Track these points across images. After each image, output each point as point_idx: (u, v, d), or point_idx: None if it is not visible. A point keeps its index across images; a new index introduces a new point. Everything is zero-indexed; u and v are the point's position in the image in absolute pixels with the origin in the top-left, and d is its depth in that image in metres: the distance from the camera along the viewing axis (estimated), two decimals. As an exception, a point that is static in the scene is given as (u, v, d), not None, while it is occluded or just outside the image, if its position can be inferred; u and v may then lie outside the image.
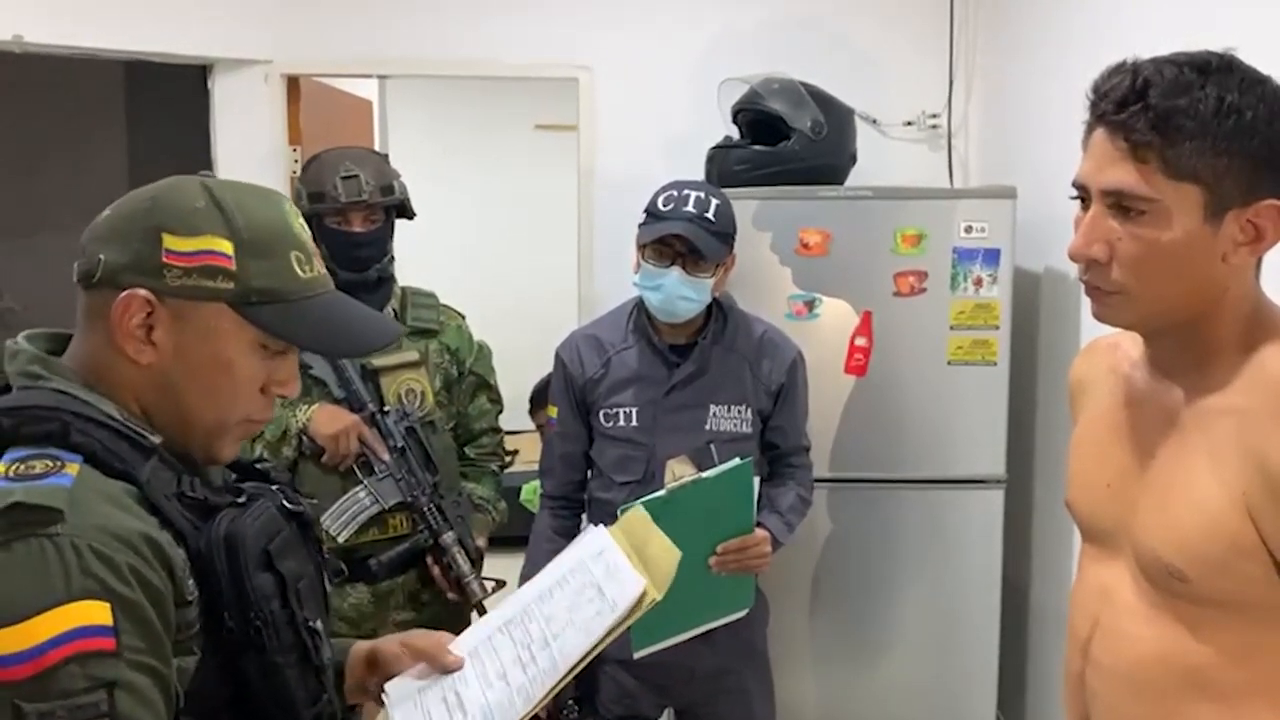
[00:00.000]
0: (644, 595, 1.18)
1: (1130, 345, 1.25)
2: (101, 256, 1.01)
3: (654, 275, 2.12)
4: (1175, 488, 1.11)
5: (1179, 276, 1.08)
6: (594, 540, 1.33)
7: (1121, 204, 1.08)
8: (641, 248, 2.14)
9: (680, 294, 2.12)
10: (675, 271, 2.10)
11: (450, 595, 2.24)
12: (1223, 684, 1.09)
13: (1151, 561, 1.13)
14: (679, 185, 2.16)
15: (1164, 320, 1.13)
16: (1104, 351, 1.31)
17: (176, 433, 1.05)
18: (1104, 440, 1.25)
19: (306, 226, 1.11)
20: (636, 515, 1.39)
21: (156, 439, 1.03)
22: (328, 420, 2.20)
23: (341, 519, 2.19)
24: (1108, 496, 1.22)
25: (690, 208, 2.10)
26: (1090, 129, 1.11)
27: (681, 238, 2.08)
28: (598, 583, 1.23)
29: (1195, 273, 1.08)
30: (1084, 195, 1.12)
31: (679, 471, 1.92)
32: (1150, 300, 1.10)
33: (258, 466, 1.18)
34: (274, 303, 1.04)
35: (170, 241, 1.01)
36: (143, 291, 1.00)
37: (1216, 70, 1.05)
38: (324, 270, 1.11)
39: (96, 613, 0.88)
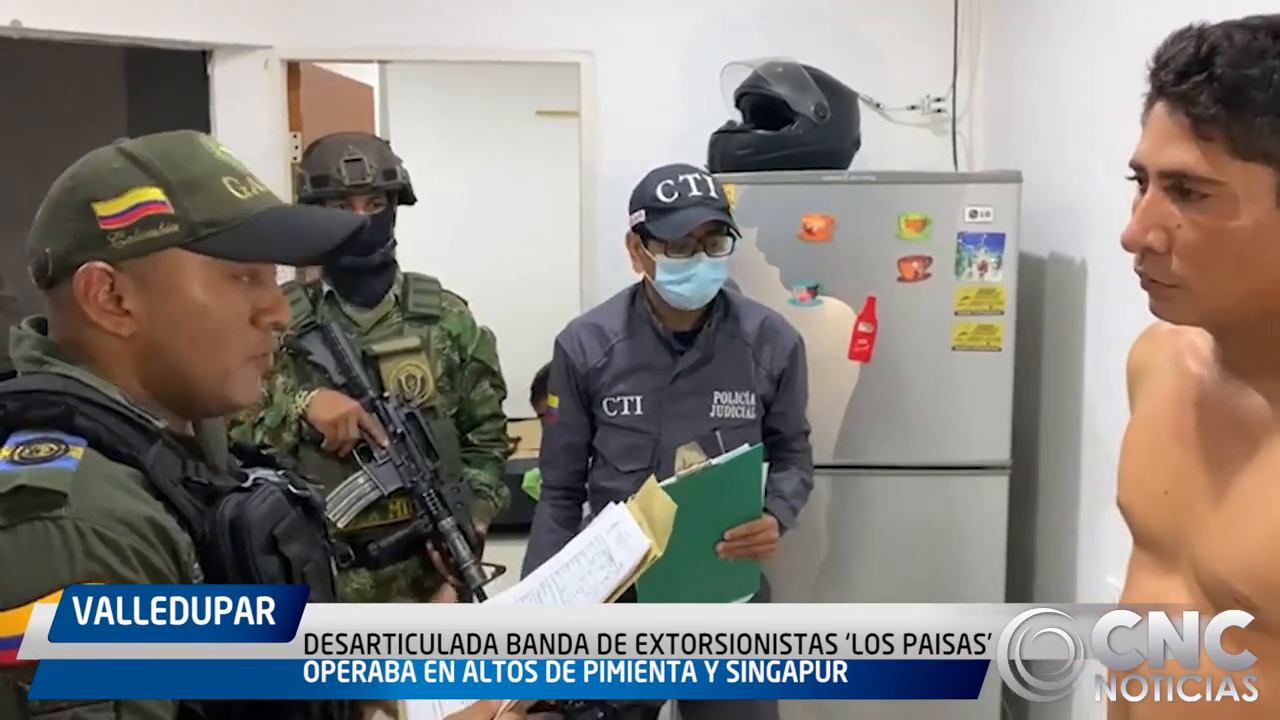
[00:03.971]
0: (648, 553, 1.21)
1: (1196, 334, 1.12)
2: (47, 250, 1.02)
3: (682, 268, 2.09)
4: (1248, 507, 1.00)
5: (1246, 269, 0.96)
6: (610, 515, 1.36)
7: (1182, 186, 0.96)
8: (660, 243, 2.09)
9: (712, 278, 2.11)
10: (703, 258, 2.08)
11: (450, 581, 2.24)
12: None
13: (1215, 585, 1.01)
14: (670, 172, 2.12)
15: (1230, 317, 1.01)
16: (1167, 337, 1.17)
17: (183, 394, 1.05)
18: (1162, 440, 1.12)
19: (230, 151, 1.10)
20: (648, 485, 1.43)
21: (161, 423, 1.02)
22: (327, 406, 2.20)
23: (341, 504, 2.19)
24: (1165, 504, 1.10)
25: (696, 192, 2.08)
26: (1149, 102, 0.99)
27: (709, 224, 2.06)
28: (609, 551, 1.27)
29: (1265, 265, 0.96)
30: (1141, 176, 1.00)
31: (689, 459, 1.93)
32: (1213, 295, 0.98)
33: (263, 452, 1.17)
34: (223, 231, 1.03)
35: (101, 208, 1.01)
36: (98, 264, 1.00)
37: None
38: (263, 189, 1.09)
39: None
